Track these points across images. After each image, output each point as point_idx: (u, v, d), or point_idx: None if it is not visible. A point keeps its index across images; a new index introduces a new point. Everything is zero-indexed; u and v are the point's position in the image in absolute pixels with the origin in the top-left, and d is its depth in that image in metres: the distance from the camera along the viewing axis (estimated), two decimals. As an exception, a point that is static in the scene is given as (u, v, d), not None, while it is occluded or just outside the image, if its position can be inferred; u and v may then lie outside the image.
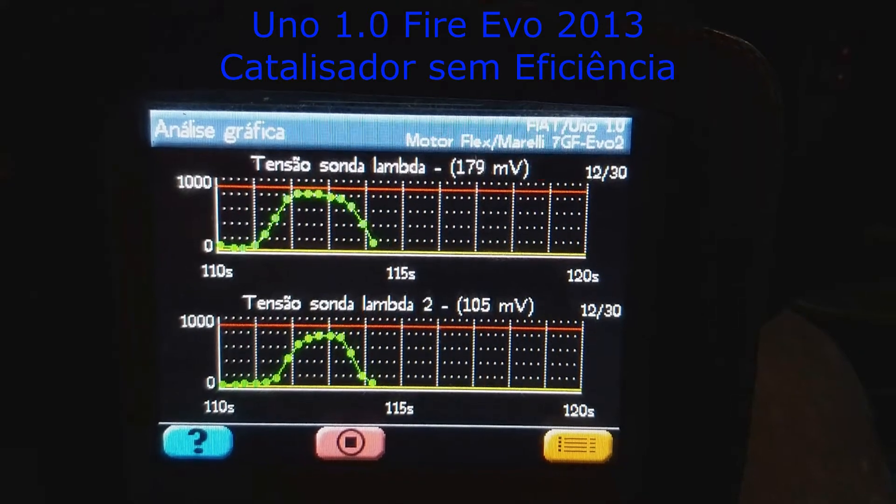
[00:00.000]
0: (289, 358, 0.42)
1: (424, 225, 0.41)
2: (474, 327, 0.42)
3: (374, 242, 0.41)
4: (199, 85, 0.39)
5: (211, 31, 0.38)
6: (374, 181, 0.41)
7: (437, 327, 0.42)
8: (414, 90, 0.39)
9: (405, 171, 0.41)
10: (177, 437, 0.43)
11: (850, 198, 0.60)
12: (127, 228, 0.40)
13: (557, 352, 0.42)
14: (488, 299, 0.42)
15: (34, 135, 0.38)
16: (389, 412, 0.43)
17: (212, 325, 0.42)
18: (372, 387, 0.42)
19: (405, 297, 0.42)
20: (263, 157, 0.41)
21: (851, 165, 0.59)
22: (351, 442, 0.43)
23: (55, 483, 0.41)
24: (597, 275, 0.41)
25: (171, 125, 0.40)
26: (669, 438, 0.42)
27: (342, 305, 0.42)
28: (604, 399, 0.43)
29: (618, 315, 0.42)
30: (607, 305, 0.42)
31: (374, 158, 0.41)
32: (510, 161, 0.41)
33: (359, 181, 0.41)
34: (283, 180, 0.41)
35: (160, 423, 0.42)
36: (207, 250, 0.41)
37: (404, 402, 0.43)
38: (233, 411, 0.43)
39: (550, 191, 0.41)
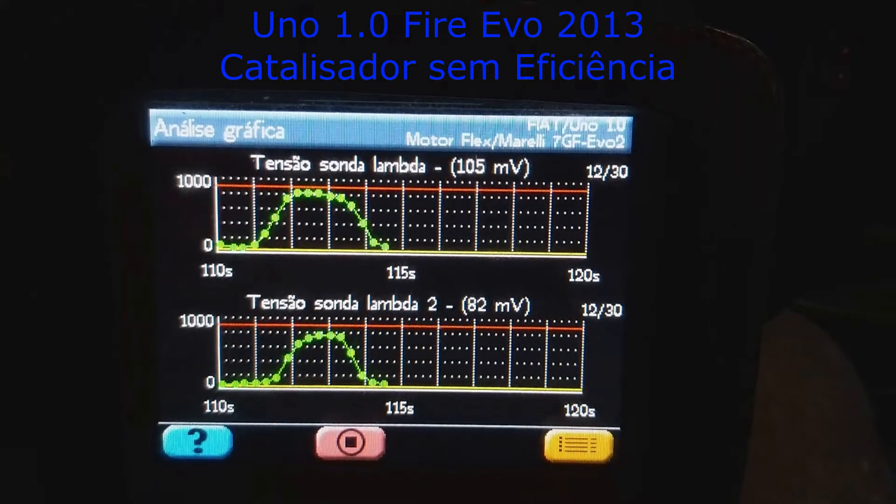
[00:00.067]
0: (289, 358, 0.42)
1: (425, 224, 0.41)
2: (475, 327, 0.42)
3: (374, 242, 0.41)
4: (199, 85, 0.39)
5: (211, 31, 0.38)
6: (374, 180, 0.41)
7: (438, 327, 0.42)
8: (414, 90, 0.39)
9: (405, 171, 0.41)
10: (177, 437, 0.43)
11: (850, 198, 0.60)
12: (127, 228, 0.40)
13: (558, 351, 0.42)
14: (489, 299, 0.42)
15: (34, 134, 0.38)
16: (390, 412, 0.43)
17: (212, 324, 0.42)
18: (372, 387, 0.42)
19: (405, 296, 0.42)
20: (263, 156, 0.40)
21: (851, 165, 0.59)
22: (351, 442, 0.43)
23: (55, 483, 0.41)
24: (597, 274, 0.41)
25: (170, 124, 0.40)
26: (670, 438, 0.42)
27: (342, 305, 0.42)
28: (604, 399, 0.43)
29: (618, 315, 0.42)
30: (608, 305, 0.42)
31: (375, 158, 0.41)
32: (511, 160, 0.41)
33: (359, 180, 0.41)
34: (283, 179, 0.41)
35: (160, 422, 0.42)
36: (207, 250, 0.41)
37: (404, 402, 0.43)
38: (233, 411, 0.42)
39: (551, 190, 0.41)
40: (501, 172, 0.41)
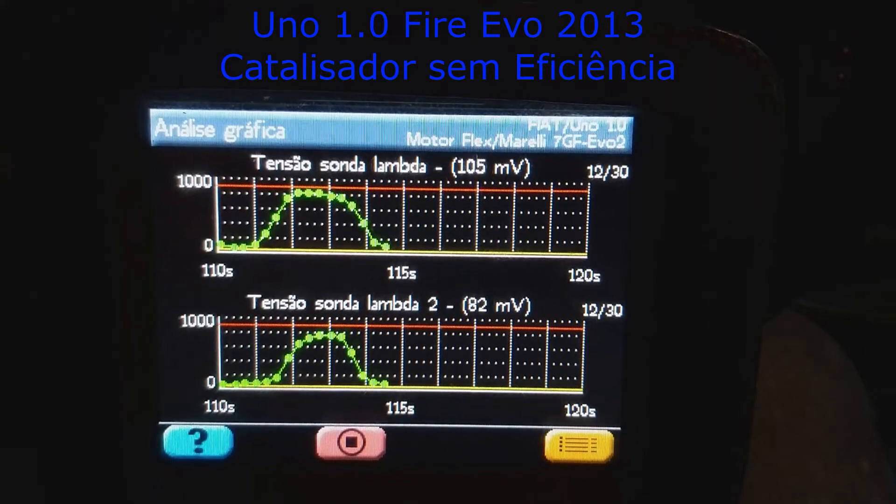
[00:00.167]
0: (289, 357, 0.42)
1: (425, 224, 0.41)
2: (475, 327, 0.42)
3: (374, 242, 0.41)
4: (200, 85, 0.39)
5: (211, 31, 0.38)
6: (374, 180, 0.41)
7: (438, 327, 0.42)
8: (414, 90, 0.39)
9: (406, 171, 0.41)
10: (177, 437, 0.43)
11: (850, 198, 0.60)
12: (127, 228, 0.40)
13: (558, 352, 0.42)
14: (489, 299, 0.42)
15: (34, 134, 0.38)
16: (390, 412, 0.43)
17: (212, 324, 0.42)
18: (373, 387, 0.42)
19: (406, 296, 0.42)
20: (264, 156, 0.40)
21: (851, 165, 0.59)
22: (351, 442, 0.43)
23: (55, 483, 0.41)
24: (598, 274, 0.41)
25: (171, 124, 0.40)
26: (670, 438, 0.42)
27: (343, 305, 0.42)
28: (605, 399, 0.43)
29: (619, 315, 0.42)
30: (608, 305, 0.42)
31: (375, 158, 0.41)
32: (511, 160, 0.41)
33: (359, 180, 0.41)
34: (284, 179, 0.41)
35: (160, 422, 0.42)
36: (208, 250, 0.41)
37: (405, 402, 0.43)
38: (233, 411, 0.42)
39: (552, 190, 0.41)
40: (502, 172, 0.41)
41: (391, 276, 0.41)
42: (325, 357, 0.42)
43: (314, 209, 0.41)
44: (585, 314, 0.42)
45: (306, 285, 0.41)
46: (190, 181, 0.40)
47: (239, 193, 0.41)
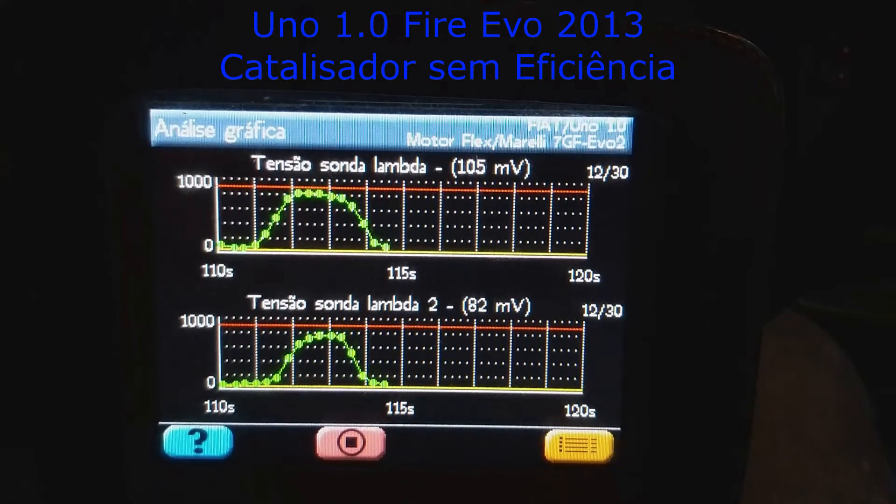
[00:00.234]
0: (289, 358, 0.42)
1: (425, 225, 0.41)
2: (475, 327, 0.42)
3: (374, 242, 0.41)
4: (200, 85, 0.39)
5: (211, 31, 0.38)
6: (374, 181, 0.41)
7: (438, 327, 0.42)
8: (414, 90, 0.39)
9: (406, 171, 0.41)
10: (177, 437, 0.43)
11: (850, 198, 0.60)
12: (127, 228, 0.40)
13: (558, 352, 0.42)
14: (489, 299, 0.42)
15: (34, 135, 0.38)
16: (390, 412, 0.43)
17: (212, 324, 0.42)
18: (372, 387, 0.42)
19: (406, 296, 0.42)
20: (264, 156, 0.40)
21: (851, 165, 0.59)
22: (351, 442, 0.43)
23: (55, 483, 0.41)
24: (598, 275, 0.41)
25: (171, 124, 0.40)
26: (671, 439, 0.42)
27: (343, 305, 0.42)
28: (605, 399, 0.43)
29: (619, 315, 0.42)
30: (608, 305, 0.42)
31: (375, 158, 0.41)
32: (511, 161, 0.41)
33: (359, 181, 0.41)
34: (284, 180, 0.41)
35: (160, 422, 0.42)
36: (208, 250, 0.41)
37: (405, 402, 0.43)
38: (233, 411, 0.42)
39: (552, 191, 0.41)
40: (502, 173, 0.41)
41: (391, 277, 0.41)
42: (325, 357, 0.42)
43: (314, 209, 0.41)
44: (585, 314, 0.42)
45: (306, 285, 0.41)
46: (190, 181, 0.40)
47: (239, 194, 0.41)
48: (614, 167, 0.41)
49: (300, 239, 0.41)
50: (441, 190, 0.41)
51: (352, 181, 0.41)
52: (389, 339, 0.42)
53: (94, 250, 0.39)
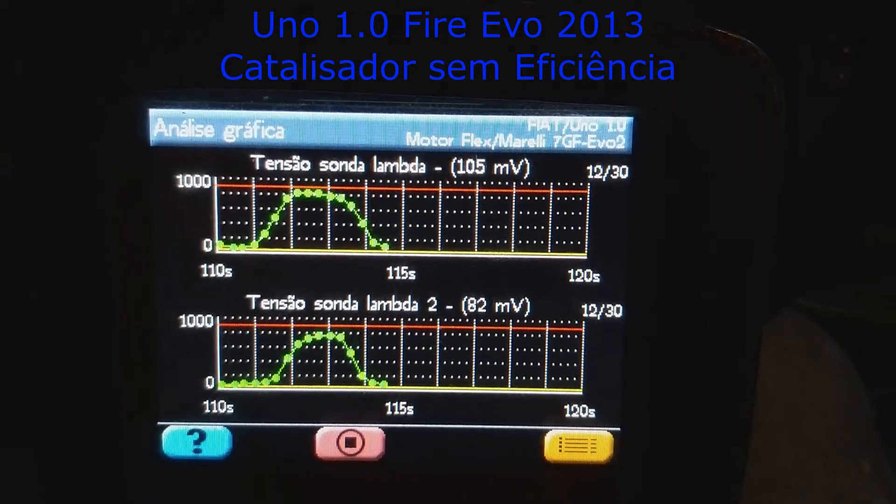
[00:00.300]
0: (288, 358, 0.42)
1: (425, 225, 0.41)
2: (475, 327, 0.42)
3: (374, 242, 0.41)
4: (199, 85, 0.39)
5: (211, 31, 0.38)
6: (374, 180, 0.41)
7: (438, 327, 0.42)
8: (414, 90, 0.38)
9: (405, 171, 0.41)
10: (176, 438, 0.43)
11: (850, 198, 0.60)
12: (126, 228, 0.40)
13: (558, 352, 0.42)
14: (489, 299, 0.42)
15: (34, 135, 0.38)
16: (389, 412, 0.43)
17: (211, 324, 0.42)
18: (372, 387, 0.42)
19: (405, 296, 0.42)
20: (263, 156, 0.40)
21: (851, 165, 0.59)
22: (351, 442, 0.43)
23: (54, 483, 0.41)
24: (598, 275, 0.41)
25: (170, 124, 0.40)
26: (670, 439, 0.42)
27: (342, 305, 0.42)
28: (605, 399, 0.43)
29: (619, 315, 0.42)
30: (608, 305, 0.42)
31: (375, 158, 0.41)
32: (511, 160, 0.41)
33: (359, 180, 0.41)
34: (283, 179, 0.41)
35: (159, 423, 0.42)
36: (207, 250, 0.41)
37: (404, 403, 0.43)
38: (232, 411, 0.42)
39: (551, 190, 0.41)
40: (501, 173, 0.41)
41: (390, 277, 0.41)
42: (324, 357, 0.42)
43: (313, 209, 0.41)
44: (585, 314, 0.42)
45: (305, 285, 0.41)
46: (189, 181, 0.40)
47: (238, 193, 0.41)
48: (614, 167, 0.41)
49: (299, 239, 0.41)
50: (440, 190, 0.41)
51: (351, 181, 0.41)
52: (389, 339, 0.42)
53: (93, 250, 0.39)
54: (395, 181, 0.41)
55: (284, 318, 0.42)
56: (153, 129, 0.40)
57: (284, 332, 0.42)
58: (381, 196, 0.41)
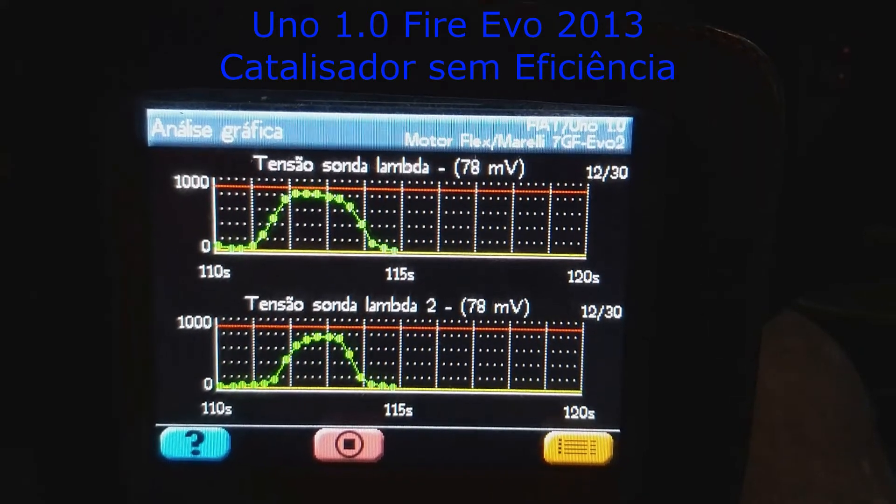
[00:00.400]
0: (287, 359, 0.42)
1: (424, 225, 0.41)
2: (474, 328, 0.42)
3: (372, 243, 0.41)
4: (199, 84, 0.39)
5: (211, 31, 0.38)
6: (373, 181, 0.41)
7: (437, 328, 0.42)
8: (414, 90, 0.38)
9: (404, 171, 0.41)
10: (174, 439, 0.42)
11: (850, 198, 0.60)
12: (125, 228, 0.40)
13: (557, 353, 0.42)
14: (488, 300, 0.42)
15: (32, 134, 0.38)
16: (388, 414, 0.43)
17: (209, 325, 0.41)
18: (371, 388, 0.42)
19: (404, 297, 0.42)
20: (261, 156, 0.40)
21: (851, 165, 0.59)
22: (349, 444, 0.43)
23: (52, 484, 0.41)
24: (597, 276, 0.41)
25: (168, 124, 0.40)
26: (670, 440, 0.42)
27: (341, 306, 0.42)
28: (604, 401, 0.43)
29: (618, 316, 0.42)
30: (608, 306, 0.42)
31: (374, 158, 0.40)
32: (510, 161, 0.41)
33: (357, 181, 0.41)
34: (282, 180, 0.40)
35: (157, 424, 0.42)
36: (205, 250, 0.41)
37: (403, 404, 0.43)
38: (230, 413, 0.42)
39: (551, 191, 0.41)
40: (501, 173, 0.41)
41: (389, 278, 0.41)
42: (322, 359, 0.42)
43: (312, 210, 0.41)
44: (584, 315, 0.42)
45: (304, 286, 0.41)
46: (187, 182, 0.40)
47: (236, 194, 0.40)
48: (614, 167, 0.41)
49: (298, 239, 0.41)
50: (440, 190, 0.41)
51: (350, 181, 0.41)
52: (388, 340, 0.42)
53: (91, 250, 0.39)
54: (394, 182, 0.41)
55: (283, 319, 0.41)
56: (151, 130, 0.40)
57: (283, 334, 0.42)
58: (379, 197, 0.41)
